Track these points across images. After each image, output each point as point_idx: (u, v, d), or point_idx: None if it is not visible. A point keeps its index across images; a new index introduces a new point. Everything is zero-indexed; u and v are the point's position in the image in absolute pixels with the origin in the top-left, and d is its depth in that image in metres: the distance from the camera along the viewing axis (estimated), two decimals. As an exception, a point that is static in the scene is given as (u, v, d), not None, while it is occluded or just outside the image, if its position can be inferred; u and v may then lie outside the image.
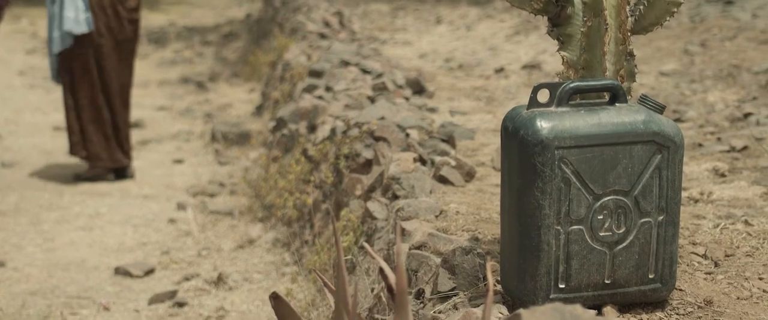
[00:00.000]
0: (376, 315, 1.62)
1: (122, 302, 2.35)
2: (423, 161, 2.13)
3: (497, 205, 1.75)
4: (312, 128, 2.94)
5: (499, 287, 1.33)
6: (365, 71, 3.41)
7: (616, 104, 1.25)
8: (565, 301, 1.22)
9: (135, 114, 4.66)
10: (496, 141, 2.43)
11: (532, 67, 3.83)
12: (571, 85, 1.24)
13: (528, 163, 1.21)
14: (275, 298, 1.11)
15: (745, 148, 2.23)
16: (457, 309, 1.33)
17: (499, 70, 3.86)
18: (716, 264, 1.45)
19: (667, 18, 1.34)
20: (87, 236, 2.88)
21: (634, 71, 1.36)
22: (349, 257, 1.96)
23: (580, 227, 1.23)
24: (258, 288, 2.40)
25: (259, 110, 4.50)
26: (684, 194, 1.84)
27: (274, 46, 5.16)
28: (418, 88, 3.30)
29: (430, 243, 1.57)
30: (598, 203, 1.22)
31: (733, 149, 2.23)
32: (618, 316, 1.25)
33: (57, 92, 5.22)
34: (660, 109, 1.26)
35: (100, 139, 3.35)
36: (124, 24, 3.35)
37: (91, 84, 3.32)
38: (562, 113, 1.23)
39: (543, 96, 1.26)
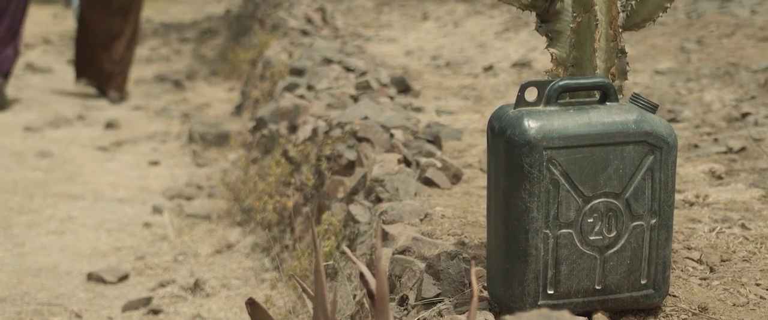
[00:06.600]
0: (358, 323, 1.57)
1: (95, 309, 2.27)
2: (408, 162, 2.08)
3: (484, 208, 1.70)
4: (293, 128, 2.88)
5: (485, 293, 1.29)
6: (348, 69, 3.35)
7: (607, 103, 1.22)
8: (553, 308, 1.19)
9: (109, 114, 4.57)
10: (483, 141, 2.39)
11: (522, 64, 3.79)
12: (560, 83, 1.20)
13: (515, 164, 1.17)
14: (251, 304, 1.08)
15: (742, 149, 2.18)
16: (441, 316, 1.29)
17: (488, 68, 3.81)
18: (712, 270, 1.42)
19: (661, 14, 1.30)
20: (59, 240, 2.79)
21: (626, 69, 1.32)
22: (330, 262, 1.90)
23: (570, 231, 1.19)
24: (236, 294, 2.33)
25: (238, 110, 4.42)
26: (679, 197, 1.80)
27: (254, 44, 5.08)
28: (403, 86, 3.25)
29: (414, 247, 1.53)
30: (588, 206, 1.19)
31: (730, 150, 2.18)
32: (609, 324, 1.21)
33: (29, 91, 5.11)
34: (652, 108, 1.22)
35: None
36: None
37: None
38: (551, 112, 1.19)
39: (531, 94, 1.22)
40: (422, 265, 1.43)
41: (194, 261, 2.61)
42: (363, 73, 3.25)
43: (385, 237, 1.65)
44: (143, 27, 7.57)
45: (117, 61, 4.88)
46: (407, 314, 1.36)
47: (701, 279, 1.38)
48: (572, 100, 1.24)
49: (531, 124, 1.16)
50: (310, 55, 3.60)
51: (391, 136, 2.26)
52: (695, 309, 1.26)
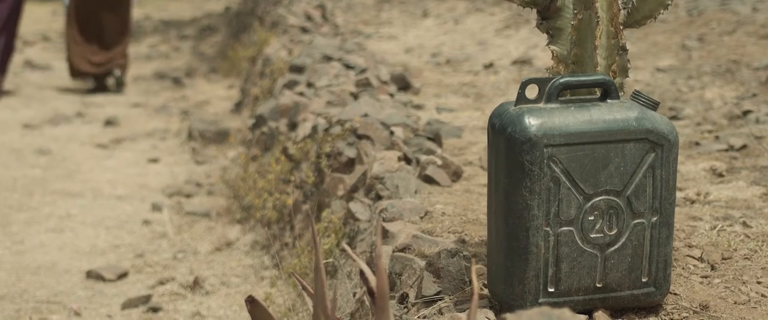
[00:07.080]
0: (358, 321, 1.56)
1: (94, 307, 2.27)
2: (408, 160, 2.08)
3: (485, 206, 1.70)
4: (292, 126, 2.87)
5: (486, 291, 1.28)
6: (348, 66, 3.34)
7: (608, 100, 1.21)
8: (554, 306, 1.18)
9: (108, 111, 4.57)
10: (484, 139, 2.38)
11: (522, 62, 3.78)
12: (561, 81, 1.19)
13: (516, 162, 1.16)
14: (251, 302, 1.08)
15: (743, 146, 2.17)
16: (442, 313, 1.29)
17: (489, 66, 3.80)
18: (713, 268, 1.41)
19: (662, 11, 1.30)
20: (58, 238, 2.78)
21: (627, 66, 1.31)
22: (330, 260, 1.90)
23: (570, 228, 1.18)
24: (236, 292, 2.33)
25: (237, 107, 4.41)
26: (680, 195, 1.80)
27: (253, 41, 5.08)
28: (403, 84, 3.24)
29: (414, 245, 1.52)
30: (589, 203, 1.18)
31: (731, 148, 2.17)
32: (610, 322, 1.21)
33: (28, 88, 5.11)
34: (653, 105, 1.21)
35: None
36: None
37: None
38: (552, 110, 1.18)
39: (531, 92, 1.21)
40: (422, 263, 1.42)
41: (194, 259, 2.60)
42: (363, 71, 3.24)
43: (386, 234, 1.65)
44: (143, 24, 7.56)
45: (115, 42, 4.94)
46: (407, 312, 1.36)
47: (702, 277, 1.37)
48: (573, 98, 1.24)
49: (532, 122, 1.16)
50: (310, 53, 3.59)
51: (391, 133, 2.26)
52: (696, 307, 1.25)
